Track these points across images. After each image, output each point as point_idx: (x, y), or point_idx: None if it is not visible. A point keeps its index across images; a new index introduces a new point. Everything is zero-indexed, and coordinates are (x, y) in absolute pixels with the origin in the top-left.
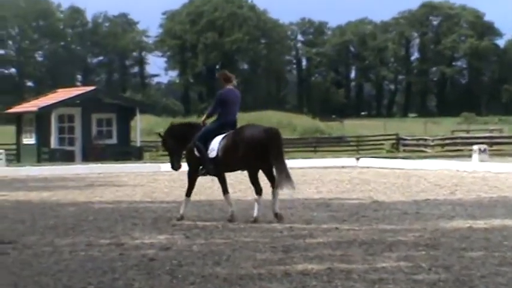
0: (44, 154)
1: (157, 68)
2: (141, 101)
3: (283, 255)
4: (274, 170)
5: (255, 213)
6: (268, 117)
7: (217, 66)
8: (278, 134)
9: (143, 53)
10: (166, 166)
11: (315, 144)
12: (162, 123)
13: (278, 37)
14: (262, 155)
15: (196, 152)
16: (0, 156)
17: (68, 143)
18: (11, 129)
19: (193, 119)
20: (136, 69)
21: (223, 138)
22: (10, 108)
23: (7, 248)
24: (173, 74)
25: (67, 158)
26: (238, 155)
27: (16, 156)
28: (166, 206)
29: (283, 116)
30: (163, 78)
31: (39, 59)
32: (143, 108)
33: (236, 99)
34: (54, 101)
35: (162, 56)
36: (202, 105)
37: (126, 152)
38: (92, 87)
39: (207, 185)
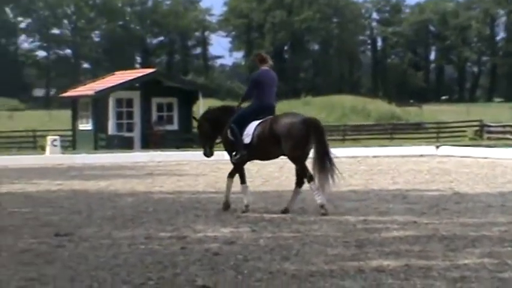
0: (101, 141)
1: (221, 49)
2: (204, 84)
3: (356, 250)
4: (315, 166)
5: (319, 201)
6: (341, 102)
7: (286, 47)
8: (319, 124)
9: (206, 33)
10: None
11: (391, 131)
12: None
13: (351, 15)
14: (304, 145)
15: (230, 136)
16: (55, 143)
17: (126, 129)
18: (67, 114)
19: None
20: (198, 50)
21: (259, 124)
22: (65, 91)
23: (63, 240)
24: (238, 55)
25: (125, 145)
26: (271, 144)
27: (72, 143)
28: (232, 197)
29: (356, 100)
30: (228, 60)
31: (96, 39)
32: (206, 92)
33: (273, 81)
34: (111, 84)
35: (226, 36)
36: None
37: (188, 138)
38: (152, 70)
39: (275, 175)
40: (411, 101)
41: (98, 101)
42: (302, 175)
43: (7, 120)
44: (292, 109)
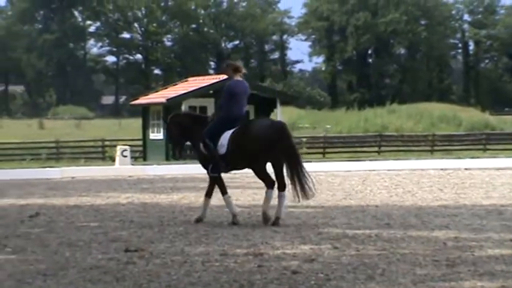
0: (173, 151)
1: (301, 53)
2: (282, 91)
3: (447, 270)
4: (287, 174)
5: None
6: (429, 110)
7: (370, 51)
8: (285, 128)
9: (284, 37)
10: (311, 166)
11: (485, 142)
12: (306, 116)
13: (441, 17)
14: (269, 151)
15: (203, 149)
16: (125, 153)
17: None
18: (137, 122)
19: (341, 112)
20: (276, 54)
21: (232, 133)
22: (136, 99)
23: (133, 256)
24: (318, 60)
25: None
26: (243, 151)
27: (142, 153)
28: (311, 212)
29: (447, 108)
30: (307, 65)
31: (168, 43)
32: (284, 99)
33: (245, 91)
34: (184, 91)
35: (305, 39)
36: (351, 96)
37: None
38: (227, 76)
39: (357, 188)
40: (506, 109)
41: (170, 109)
42: (278, 179)
43: (75, 129)
44: (377, 118)
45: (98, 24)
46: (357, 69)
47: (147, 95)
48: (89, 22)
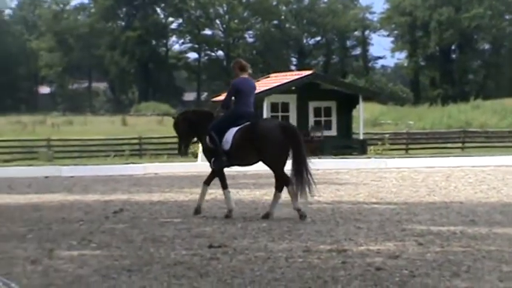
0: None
1: (383, 49)
2: (365, 87)
3: None
4: (292, 172)
5: (295, 206)
6: None
7: (453, 47)
8: (296, 131)
9: (366, 33)
10: (394, 162)
11: None
12: (388, 113)
13: None
14: (281, 150)
15: (209, 143)
16: None
17: None
18: None
19: (424, 108)
20: (358, 50)
21: (237, 130)
22: (217, 95)
23: (217, 252)
24: (401, 56)
25: None
26: (250, 150)
27: None
28: (395, 208)
29: None
30: (389, 61)
31: (249, 39)
32: (367, 95)
33: (251, 89)
34: (266, 88)
35: (388, 35)
36: (434, 92)
37: (347, 145)
38: (309, 72)
39: (441, 185)
40: None
41: None
42: (281, 180)
43: (157, 125)
44: (461, 113)
45: (180, 21)
46: (440, 64)
47: None
48: (171, 19)
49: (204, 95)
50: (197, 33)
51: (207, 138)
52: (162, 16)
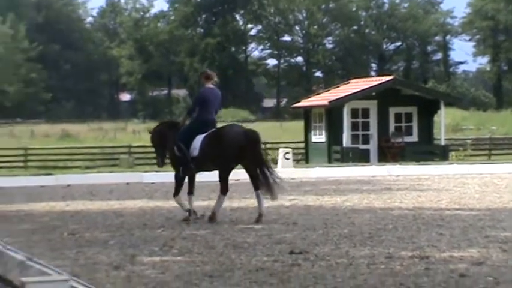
0: (335, 153)
1: (464, 54)
2: (446, 92)
3: None
4: (255, 179)
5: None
6: None
7: None
8: (257, 137)
9: (447, 37)
10: (476, 168)
11: None
12: (470, 118)
13: None
14: (239, 157)
15: (177, 152)
16: (287, 155)
17: (361, 141)
18: (298, 125)
19: (507, 113)
20: (439, 56)
21: (204, 137)
22: (297, 101)
23: (298, 258)
24: (483, 60)
25: (361, 157)
26: (215, 154)
27: (304, 155)
28: (478, 214)
29: None
30: (471, 66)
31: (329, 45)
32: (448, 100)
33: (215, 98)
34: (346, 94)
35: (469, 40)
36: None
37: (429, 151)
38: (389, 77)
39: None
40: None
41: (332, 112)
42: (252, 180)
43: None
44: None
45: (259, 27)
46: None
47: (309, 97)
48: (250, 25)
49: (284, 101)
50: (276, 40)
51: (175, 147)
52: (241, 23)
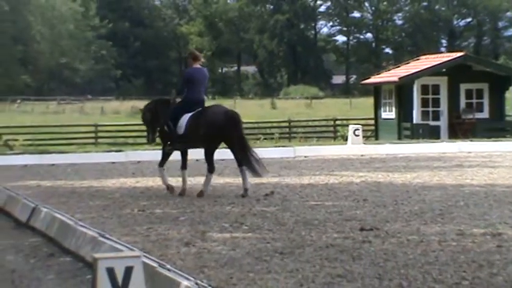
0: (405, 130)
1: None
2: None
3: None
4: (238, 157)
5: (204, 188)
6: None
7: None
8: (236, 118)
9: None
10: None
11: None
12: None
13: None
14: (220, 137)
15: (166, 129)
16: (357, 132)
17: (432, 118)
18: (367, 102)
19: None
20: (510, 31)
21: (190, 116)
22: (367, 78)
23: (368, 235)
24: None
25: (431, 134)
26: (200, 133)
27: (374, 132)
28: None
29: None
30: None
31: (398, 22)
32: None
33: (202, 78)
34: (416, 70)
35: None
36: None
37: (500, 128)
38: (460, 54)
39: None
40: None
41: (402, 88)
42: (236, 157)
43: (306, 108)
44: None
45: (329, 3)
46: None
47: (379, 73)
48: (319, 2)
49: (353, 77)
50: (346, 16)
51: (165, 126)
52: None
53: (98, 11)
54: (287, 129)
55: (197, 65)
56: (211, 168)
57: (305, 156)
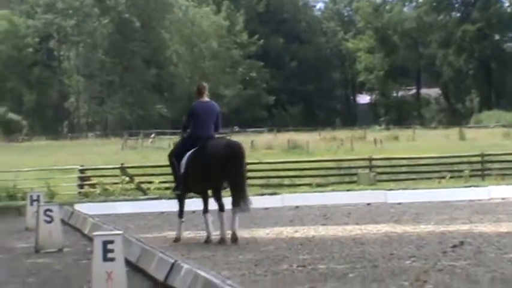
0: None
1: None
2: None
3: None
4: (230, 186)
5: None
6: None
7: None
8: (239, 149)
9: None
10: None
11: None
12: None
13: None
14: (225, 170)
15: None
16: None
17: None
18: None
19: None
20: None
21: (191, 153)
22: None
23: None
24: None
25: None
26: (202, 170)
27: None
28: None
29: None
30: None
31: None
32: None
33: (208, 112)
34: None
35: None
36: None
37: None
38: None
39: None
40: None
41: None
42: (233, 195)
43: (503, 139)
44: None
45: None
46: None
47: None
48: None
49: None
50: None
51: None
52: (507, 4)
53: (246, 25)
54: (479, 165)
55: (204, 99)
56: (221, 207)
57: (502, 198)
